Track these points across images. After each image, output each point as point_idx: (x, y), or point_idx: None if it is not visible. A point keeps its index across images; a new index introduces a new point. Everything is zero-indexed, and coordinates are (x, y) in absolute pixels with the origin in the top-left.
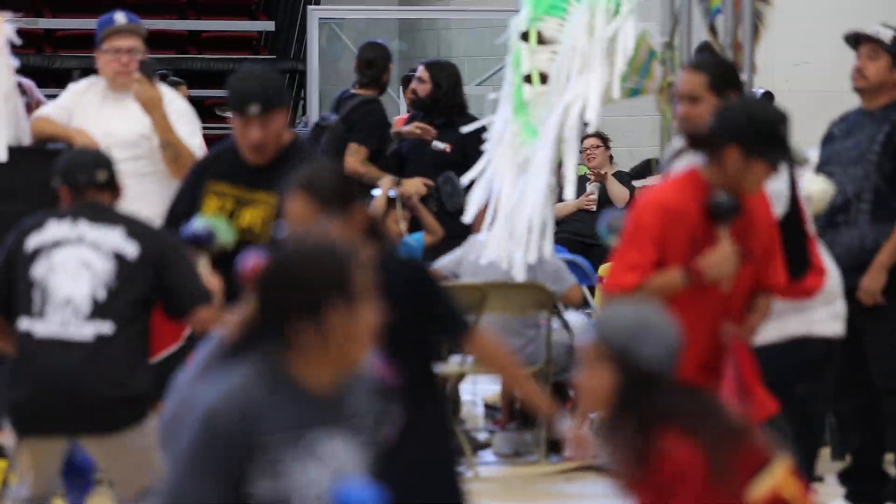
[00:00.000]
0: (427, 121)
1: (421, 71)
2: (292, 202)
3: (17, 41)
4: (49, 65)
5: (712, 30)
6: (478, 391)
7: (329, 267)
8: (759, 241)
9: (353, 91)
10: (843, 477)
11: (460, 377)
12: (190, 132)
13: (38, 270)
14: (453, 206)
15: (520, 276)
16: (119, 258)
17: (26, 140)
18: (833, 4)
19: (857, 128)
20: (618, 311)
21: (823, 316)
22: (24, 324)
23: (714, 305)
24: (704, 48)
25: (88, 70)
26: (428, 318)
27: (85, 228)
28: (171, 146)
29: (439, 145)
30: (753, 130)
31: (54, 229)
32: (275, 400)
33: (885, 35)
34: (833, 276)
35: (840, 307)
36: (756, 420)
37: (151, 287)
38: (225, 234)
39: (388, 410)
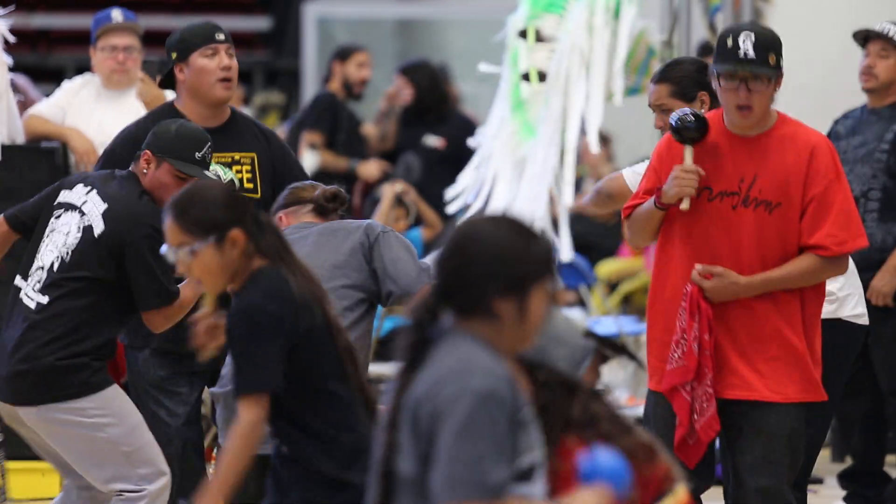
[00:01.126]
0: (419, 122)
1: (398, 80)
2: (167, 224)
3: (11, 39)
4: (43, 63)
5: (712, 28)
6: None
7: (540, 248)
8: (784, 190)
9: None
10: (844, 478)
11: None
12: None
13: (46, 230)
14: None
15: None
16: (86, 232)
17: (20, 139)
18: (834, 2)
19: (863, 126)
20: None
21: (855, 302)
22: (17, 280)
23: (708, 247)
24: (704, 47)
25: (83, 68)
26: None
27: (91, 196)
28: None
29: (434, 142)
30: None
31: (77, 190)
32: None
33: (895, 32)
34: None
35: (864, 301)
36: (681, 378)
37: (106, 270)
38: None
39: None
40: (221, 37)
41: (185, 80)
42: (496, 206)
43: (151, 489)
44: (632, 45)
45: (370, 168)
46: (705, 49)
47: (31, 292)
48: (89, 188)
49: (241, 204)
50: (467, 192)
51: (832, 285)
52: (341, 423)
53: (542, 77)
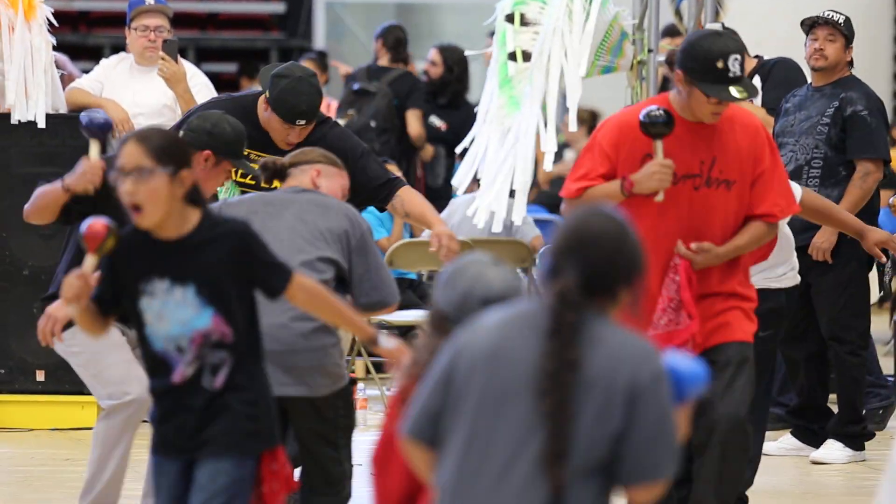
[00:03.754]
0: (432, 99)
1: (434, 54)
2: (126, 147)
3: (54, 22)
4: (83, 42)
5: (678, 13)
6: None
7: (640, 245)
8: (739, 168)
9: (381, 64)
10: (792, 414)
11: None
12: None
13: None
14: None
15: (498, 230)
16: None
17: (63, 109)
18: None
19: (808, 102)
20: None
21: (783, 271)
22: None
23: (675, 225)
24: (670, 29)
25: (118, 47)
26: (251, 276)
27: None
28: None
29: (436, 122)
30: (690, 57)
31: None
32: None
33: (840, 19)
34: (787, 235)
35: (795, 261)
36: (681, 339)
37: None
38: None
39: None
40: (302, 122)
41: (266, 111)
42: (487, 172)
43: (112, 403)
44: (606, 29)
45: (429, 150)
46: (671, 31)
47: None
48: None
49: (192, 152)
50: (467, 165)
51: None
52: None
53: (526, 57)
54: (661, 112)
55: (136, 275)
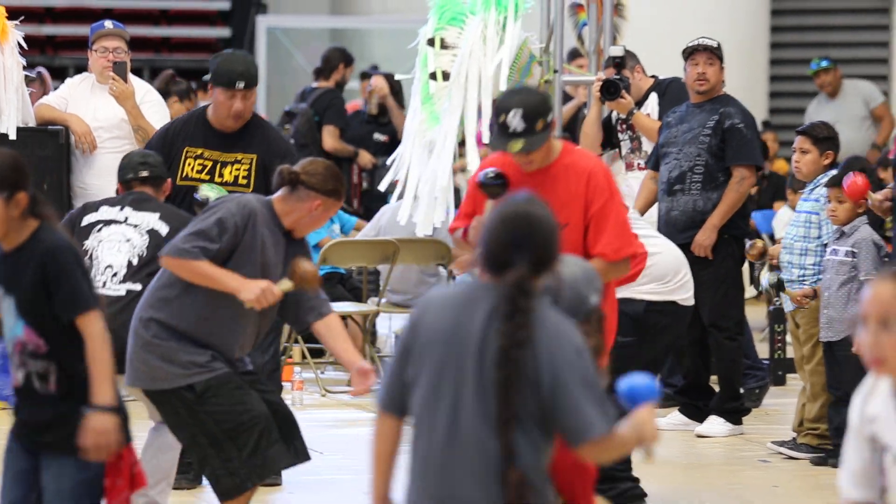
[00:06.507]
0: (374, 119)
1: (380, 80)
2: None
3: (24, 45)
4: (50, 63)
5: (580, 38)
6: (392, 325)
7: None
8: (569, 212)
9: (314, 85)
10: (679, 393)
11: (376, 314)
12: (160, 119)
13: (90, 242)
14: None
15: (424, 233)
16: (153, 234)
17: (32, 123)
18: (671, 21)
19: (689, 116)
20: None
21: (651, 287)
22: None
23: None
24: (573, 52)
25: (81, 67)
26: (47, 296)
27: (129, 212)
28: (142, 129)
29: (380, 137)
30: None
31: (106, 211)
32: None
33: (714, 44)
34: (666, 261)
35: (678, 280)
36: None
37: None
38: (217, 193)
39: None
40: (241, 85)
41: (211, 97)
42: (411, 179)
43: None
44: (517, 52)
45: (366, 157)
46: (574, 54)
47: (108, 285)
48: (119, 206)
49: (25, 171)
50: (393, 173)
51: (678, 275)
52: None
53: (446, 76)
54: (495, 174)
55: None
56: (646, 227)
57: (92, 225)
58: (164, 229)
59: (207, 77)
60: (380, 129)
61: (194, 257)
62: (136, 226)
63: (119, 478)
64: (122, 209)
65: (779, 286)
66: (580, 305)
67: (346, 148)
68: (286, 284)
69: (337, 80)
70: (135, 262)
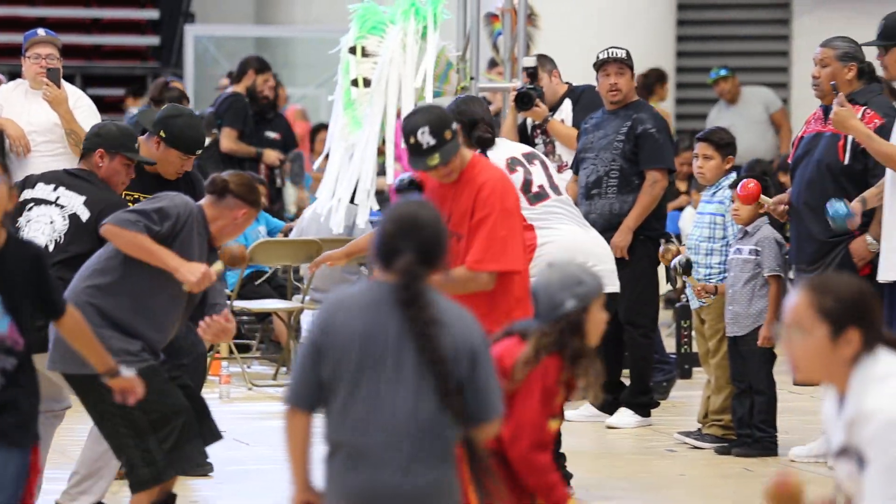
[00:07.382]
0: (263, 115)
1: (272, 81)
2: None
3: None
4: None
5: (495, 47)
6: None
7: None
8: (462, 223)
9: (227, 91)
10: None
11: (300, 311)
12: (91, 123)
13: (21, 220)
14: (296, 182)
15: (338, 232)
16: (73, 219)
17: None
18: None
19: (604, 123)
20: None
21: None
22: None
23: None
24: (490, 62)
25: (15, 74)
26: (37, 299)
27: (61, 191)
28: (74, 133)
29: (271, 134)
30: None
31: (41, 189)
32: None
33: (622, 54)
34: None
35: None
36: None
37: (94, 246)
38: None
39: None
40: (199, 151)
41: (158, 149)
42: (328, 181)
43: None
44: (435, 60)
45: (270, 156)
46: (491, 63)
47: None
48: (54, 185)
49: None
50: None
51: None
52: None
53: (367, 83)
54: (409, 180)
55: None
56: (546, 220)
57: (25, 202)
58: (85, 215)
59: (152, 131)
60: (269, 127)
61: (139, 230)
62: (62, 207)
63: (35, 473)
64: (55, 188)
65: (687, 266)
66: (554, 309)
67: (246, 149)
68: (219, 266)
69: (247, 85)
70: (51, 247)
